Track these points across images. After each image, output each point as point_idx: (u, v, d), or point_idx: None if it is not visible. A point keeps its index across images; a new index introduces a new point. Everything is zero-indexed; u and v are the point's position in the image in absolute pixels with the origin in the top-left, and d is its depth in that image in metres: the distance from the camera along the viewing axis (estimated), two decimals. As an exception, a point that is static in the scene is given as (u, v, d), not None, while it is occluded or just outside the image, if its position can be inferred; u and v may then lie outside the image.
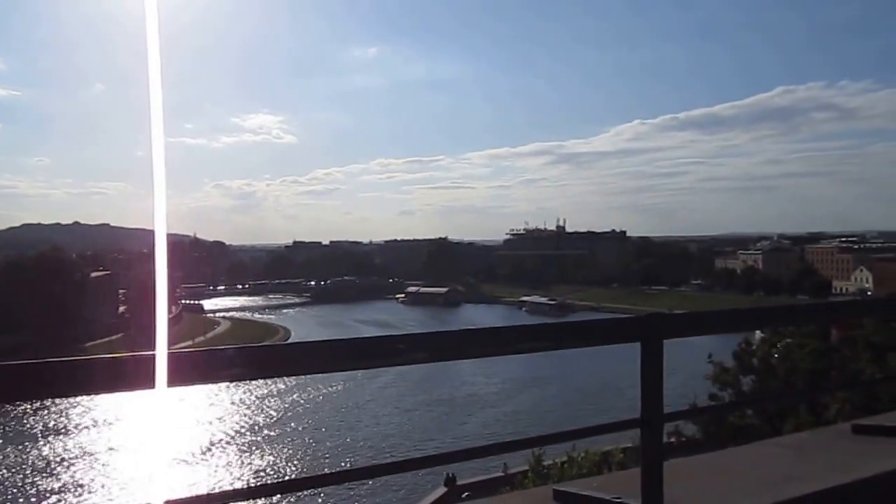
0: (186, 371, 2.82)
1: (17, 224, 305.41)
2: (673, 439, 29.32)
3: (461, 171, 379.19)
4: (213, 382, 3.00)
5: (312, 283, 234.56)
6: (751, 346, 36.88)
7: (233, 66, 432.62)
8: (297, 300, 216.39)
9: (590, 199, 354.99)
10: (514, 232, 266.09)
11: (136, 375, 2.66)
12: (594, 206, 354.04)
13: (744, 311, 5.94)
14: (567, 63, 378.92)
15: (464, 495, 43.47)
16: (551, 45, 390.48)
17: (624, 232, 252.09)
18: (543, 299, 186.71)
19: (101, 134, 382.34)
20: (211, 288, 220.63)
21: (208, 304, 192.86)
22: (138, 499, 2.89)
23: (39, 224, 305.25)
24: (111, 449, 60.78)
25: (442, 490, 47.57)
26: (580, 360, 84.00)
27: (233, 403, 78.21)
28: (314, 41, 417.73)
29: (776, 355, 35.62)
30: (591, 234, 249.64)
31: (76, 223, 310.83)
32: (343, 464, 53.41)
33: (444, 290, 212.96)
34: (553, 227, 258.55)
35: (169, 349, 2.64)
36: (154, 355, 2.59)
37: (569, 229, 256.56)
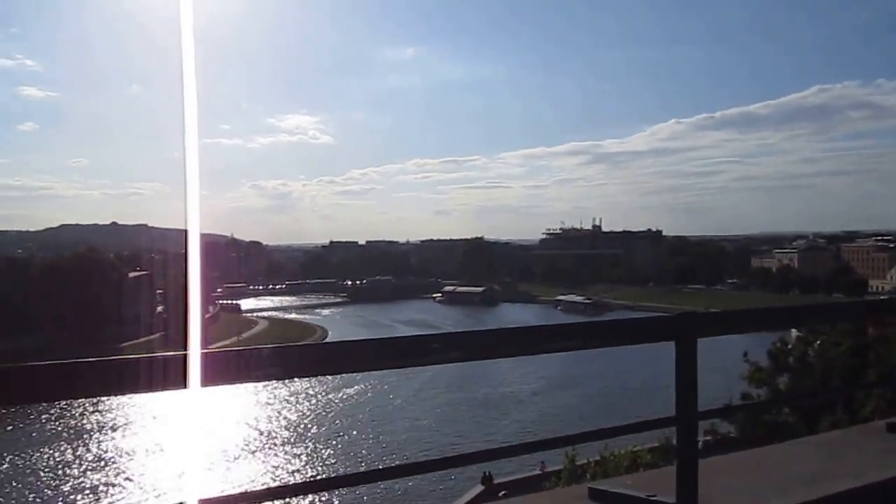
0: (220, 371, 2.85)
1: (55, 225, 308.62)
2: (709, 437, 29.12)
3: (497, 171, 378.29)
4: (247, 382, 3.02)
5: (349, 282, 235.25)
6: (786, 344, 36.56)
7: (269, 67, 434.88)
8: (333, 300, 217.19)
9: (625, 198, 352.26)
10: (550, 231, 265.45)
11: (169, 375, 2.69)
12: (630, 206, 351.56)
13: (777, 309, 5.88)
14: (603, 62, 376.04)
15: (500, 493, 43.44)
16: (587, 44, 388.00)
17: (659, 231, 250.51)
18: (579, 298, 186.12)
19: (137, 134, 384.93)
20: (250, 287, 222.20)
21: (245, 303, 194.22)
22: (173, 498, 2.93)
23: (77, 225, 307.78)
24: (130, 450, 61.57)
25: (479, 488, 47.60)
26: (617, 358, 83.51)
27: (264, 404, 78.68)
28: (351, 41, 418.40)
29: (812, 353, 35.28)
30: (626, 233, 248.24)
31: (114, 223, 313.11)
32: (377, 463, 53.59)
33: (480, 289, 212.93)
34: (589, 227, 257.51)
35: (204, 349, 2.66)
36: (187, 355, 2.61)
37: (605, 229, 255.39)
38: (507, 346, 3.87)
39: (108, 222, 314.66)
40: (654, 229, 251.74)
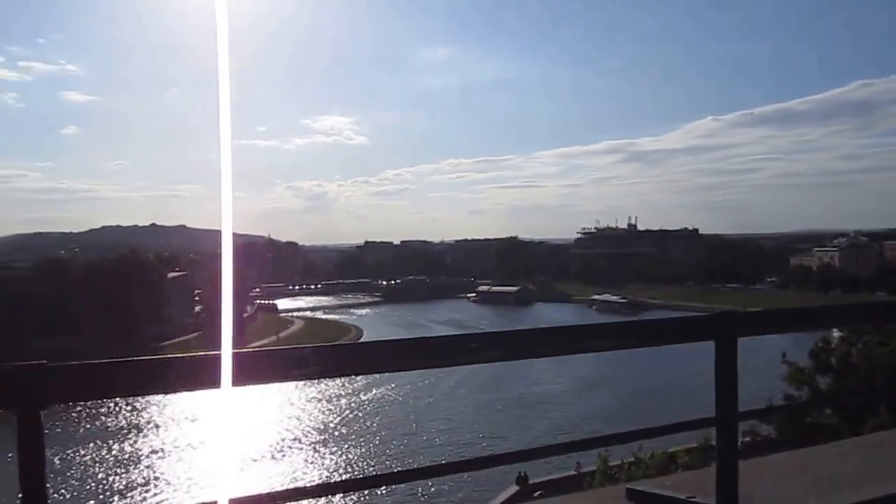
0: (252, 370, 2.85)
1: (97, 226, 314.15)
2: (748, 439, 28.79)
3: (531, 170, 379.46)
4: (279, 381, 3.02)
5: (383, 282, 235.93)
6: (829, 344, 35.95)
7: (305, 69, 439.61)
8: (368, 300, 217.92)
9: (661, 196, 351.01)
10: (585, 230, 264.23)
11: (202, 375, 2.69)
12: (666, 204, 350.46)
13: (819, 308, 5.78)
14: (638, 60, 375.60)
15: (536, 494, 43.28)
16: (621, 42, 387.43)
17: (696, 230, 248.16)
18: (614, 298, 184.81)
19: (176, 137, 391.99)
20: (286, 287, 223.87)
21: (282, 303, 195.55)
22: (204, 496, 2.92)
23: (118, 226, 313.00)
24: (164, 448, 62.31)
25: (514, 489, 47.46)
26: (650, 358, 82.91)
27: (297, 404, 79.18)
28: (386, 43, 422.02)
29: (855, 353, 34.68)
30: (662, 232, 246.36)
31: (153, 225, 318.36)
32: (410, 464, 53.65)
33: (515, 288, 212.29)
34: (624, 226, 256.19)
35: (236, 349, 2.65)
36: (219, 355, 2.60)
37: (640, 227, 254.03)
38: (545, 345, 3.84)
39: (147, 223, 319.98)
40: (690, 228, 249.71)
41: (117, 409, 74.41)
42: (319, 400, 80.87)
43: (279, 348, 2.98)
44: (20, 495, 2.61)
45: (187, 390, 2.81)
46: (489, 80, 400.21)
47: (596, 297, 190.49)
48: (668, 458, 23.62)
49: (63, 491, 51.55)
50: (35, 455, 2.61)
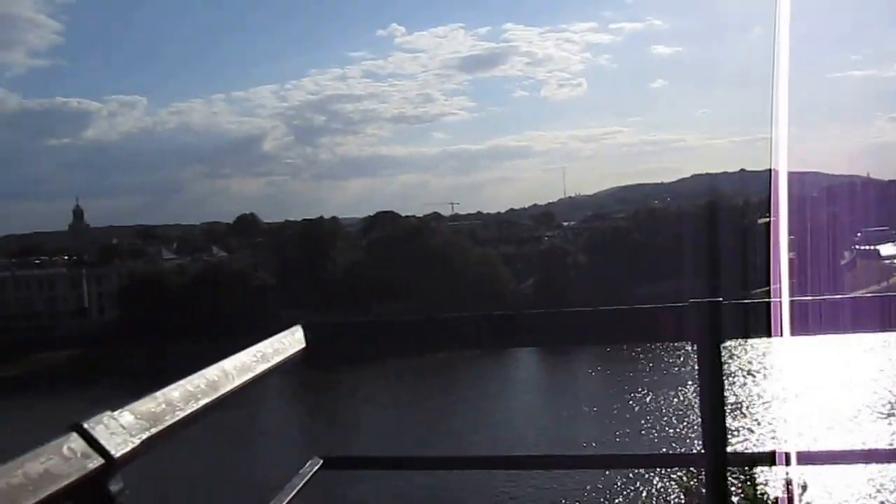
0: (813, 319, 2.69)
1: (686, 175, 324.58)
2: None
3: None
4: (841, 333, 2.80)
5: None
6: None
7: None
8: None
9: None
10: None
11: (759, 322, 2.64)
12: None
13: None
14: None
15: None
16: None
17: None
18: None
19: (761, 78, 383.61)
20: (892, 231, 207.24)
21: (885, 249, 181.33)
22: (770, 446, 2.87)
23: (707, 173, 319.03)
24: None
25: None
26: None
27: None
28: None
29: None
30: None
31: (742, 171, 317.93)
32: None
33: None
34: None
35: (793, 297, 2.54)
36: (778, 302, 2.52)
37: None
38: None
39: (736, 169, 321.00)
40: None
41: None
42: None
43: (841, 297, 2.76)
44: (700, 421, 2.89)
45: (745, 337, 2.77)
46: None
47: None
48: None
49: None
50: (715, 384, 2.82)
